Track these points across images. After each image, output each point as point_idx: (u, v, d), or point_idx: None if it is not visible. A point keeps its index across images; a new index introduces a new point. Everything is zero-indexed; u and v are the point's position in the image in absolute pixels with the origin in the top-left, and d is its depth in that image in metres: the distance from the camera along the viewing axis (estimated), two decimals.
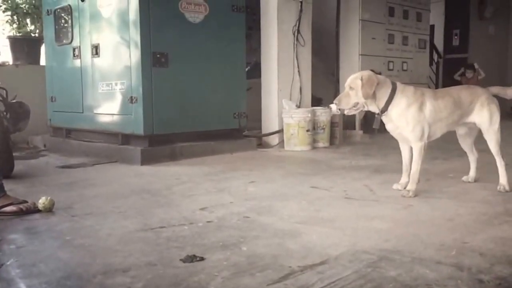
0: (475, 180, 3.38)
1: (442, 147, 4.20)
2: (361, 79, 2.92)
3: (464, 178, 3.42)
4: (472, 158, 3.38)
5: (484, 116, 3.07)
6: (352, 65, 6.61)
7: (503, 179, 3.12)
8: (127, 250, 2.05)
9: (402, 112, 2.95)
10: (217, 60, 5.02)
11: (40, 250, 2.09)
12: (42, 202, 2.65)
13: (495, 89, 3.20)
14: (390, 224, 2.42)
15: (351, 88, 2.97)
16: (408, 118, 2.95)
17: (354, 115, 6.38)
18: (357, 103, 2.99)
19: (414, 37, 7.40)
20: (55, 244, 2.17)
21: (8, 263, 1.91)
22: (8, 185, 3.46)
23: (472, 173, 3.39)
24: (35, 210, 2.69)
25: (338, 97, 3.06)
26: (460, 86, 3.42)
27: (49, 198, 2.67)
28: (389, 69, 6.98)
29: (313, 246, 2.08)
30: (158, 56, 4.52)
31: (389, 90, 2.96)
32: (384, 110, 2.99)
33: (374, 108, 3.02)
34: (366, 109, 3.05)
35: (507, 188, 3.08)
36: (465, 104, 3.07)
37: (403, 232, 2.28)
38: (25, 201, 2.73)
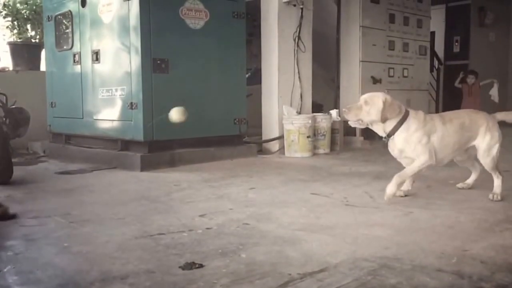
0: (471, 187, 3.38)
1: None
2: (384, 102, 2.91)
3: (459, 185, 3.42)
4: (476, 171, 3.39)
5: (485, 142, 3.07)
6: (352, 72, 6.60)
7: (497, 189, 3.11)
8: (126, 257, 2.04)
9: (409, 137, 2.94)
10: (217, 66, 5.02)
11: (37, 257, 2.07)
12: None
13: (501, 115, 3.19)
14: (391, 231, 2.40)
15: (366, 103, 2.95)
16: (414, 142, 2.94)
17: None
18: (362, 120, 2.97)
19: (414, 44, 7.39)
20: (53, 251, 2.15)
21: (6, 270, 1.89)
22: (6, 191, 3.47)
23: (470, 180, 3.40)
24: (9, 216, 2.68)
25: (349, 106, 3.03)
26: (465, 111, 3.44)
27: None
28: (389, 76, 6.97)
29: (312, 253, 2.07)
30: (158, 62, 4.52)
31: (400, 116, 2.96)
32: (391, 134, 2.97)
33: (379, 130, 3.01)
34: (370, 127, 3.02)
35: (499, 197, 3.06)
36: (471, 129, 3.08)
37: (403, 239, 2.27)
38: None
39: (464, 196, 3.19)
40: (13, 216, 2.74)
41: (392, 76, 7.02)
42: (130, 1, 4.47)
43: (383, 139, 3.04)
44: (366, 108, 2.94)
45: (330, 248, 2.13)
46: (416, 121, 2.96)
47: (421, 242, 2.21)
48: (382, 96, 2.96)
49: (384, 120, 2.91)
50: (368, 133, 6.55)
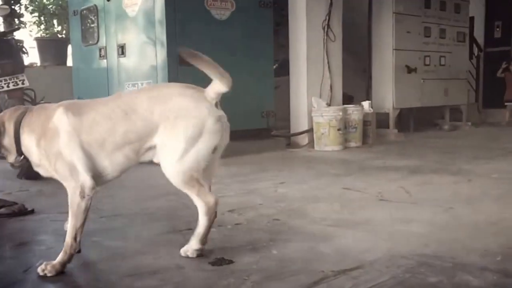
0: None
1: (485, 146, 4.05)
2: None
3: None
4: None
5: None
6: (385, 61, 6.44)
7: None
8: (155, 252, 2.03)
9: None
10: (244, 57, 4.96)
11: None
12: None
13: None
14: (429, 228, 2.30)
15: None
16: None
17: (387, 113, 6.26)
18: None
19: (452, 30, 7.15)
20: (84, 245, 2.13)
21: (37, 264, 1.89)
22: (38, 186, 3.51)
23: None
24: (27, 211, 2.72)
25: None
26: None
27: None
28: (425, 64, 6.78)
29: (346, 250, 2.00)
30: None
31: None
32: None
33: None
34: None
35: None
36: None
37: (443, 236, 2.17)
38: (15, 203, 2.75)
39: (508, 191, 3.05)
40: (31, 211, 2.76)
41: (428, 65, 6.83)
42: None
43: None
44: None
45: (364, 245, 2.06)
46: None
47: (462, 239, 2.10)
48: None
49: None
50: (402, 126, 6.42)
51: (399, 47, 6.43)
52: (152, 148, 1.87)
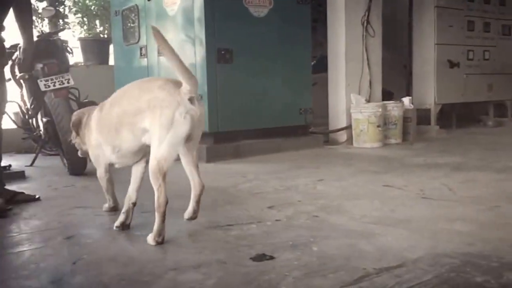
0: None
1: None
2: None
3: None
4: None
5: None
6: (426, 56, 6.28)
7: None
8: (197, 247, 2.05)
9: None
10: (281, 54, 4.95)
11: (112, 245, 2.13)
12: None
13: None
14: (474, 226, 2.24)
15: None
16: None
17: (429, 109, 6.12)
18: None
19: (497, 23, 6.90)
20: (127, 239, 2.20)
21: (84, 256, 1.96)
22: (82, 182, 3.65)
23: None
24: (32, 198, 3.03)
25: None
26: None
27: None
28: (468, 59, 6.57)
29: (388, 248, 1.97)
30: (222, 52, 4.52)
31: None
32: None
33: None
34: None
35: None
36: None
37: (489, 235, 2.10)
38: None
39: None
40: (38, 198, 3.05)
41: (472, 59, 6.62)
42: None
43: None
44: None
45: (407, 243, 2.02)
46: None
47: (509, 239, 2.04)
48: None
49: None
50: (444, 122, 6.26)
51: (441, 42, 6.25)
52: (145, 131, 2.11)
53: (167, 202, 2.06)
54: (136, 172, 2.41)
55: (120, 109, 2.21)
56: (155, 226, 2.08)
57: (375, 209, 2.62)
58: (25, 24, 3.22)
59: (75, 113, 2.68)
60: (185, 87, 2.06)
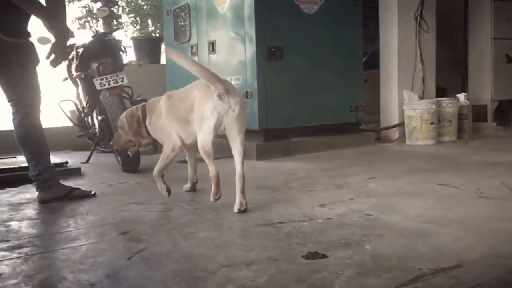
0: None
1: None
2: None
3: None
4: None
5: None
6: (482, 51, 6.05)
7: None
8: (249, 244, 2.06)
9: None
10: (332, 51, 4.89)
11: (166, 241, 2.16)
12: None
13: None
14: None
15: None
16: None
17: (485, 105, 5.89)
18: None
19: None
20: (180, 236, 2.23)
21: (143, 251, 2.01)
22: (136, 179, 3.74)
23: None
24: (89, 194, 3.17)
25: None
26: None
27: None
28: None
29: (444, 247, 1.91)
30: (272, 50, 4.51)
31: None
32: None
33: None
34: None
35: None
36: None
37: None
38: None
39: None
40: (94, 194, 3.16)
41: None
42: None
43: None
44: None
45: (464, 243, 1.95)
46: None
47: None
48: None
49: None
50: (502, 119, 6.01)
51: (498, 36, 6.00)
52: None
53: (218, 173, 2.52)
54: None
55: (182, 106, 2.72)
56: (212, 189, 2.56)
57: (430, 208, 2.54)
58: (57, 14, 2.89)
59: (123, 114, 3.04)
60: (215, 86, 2.43)
